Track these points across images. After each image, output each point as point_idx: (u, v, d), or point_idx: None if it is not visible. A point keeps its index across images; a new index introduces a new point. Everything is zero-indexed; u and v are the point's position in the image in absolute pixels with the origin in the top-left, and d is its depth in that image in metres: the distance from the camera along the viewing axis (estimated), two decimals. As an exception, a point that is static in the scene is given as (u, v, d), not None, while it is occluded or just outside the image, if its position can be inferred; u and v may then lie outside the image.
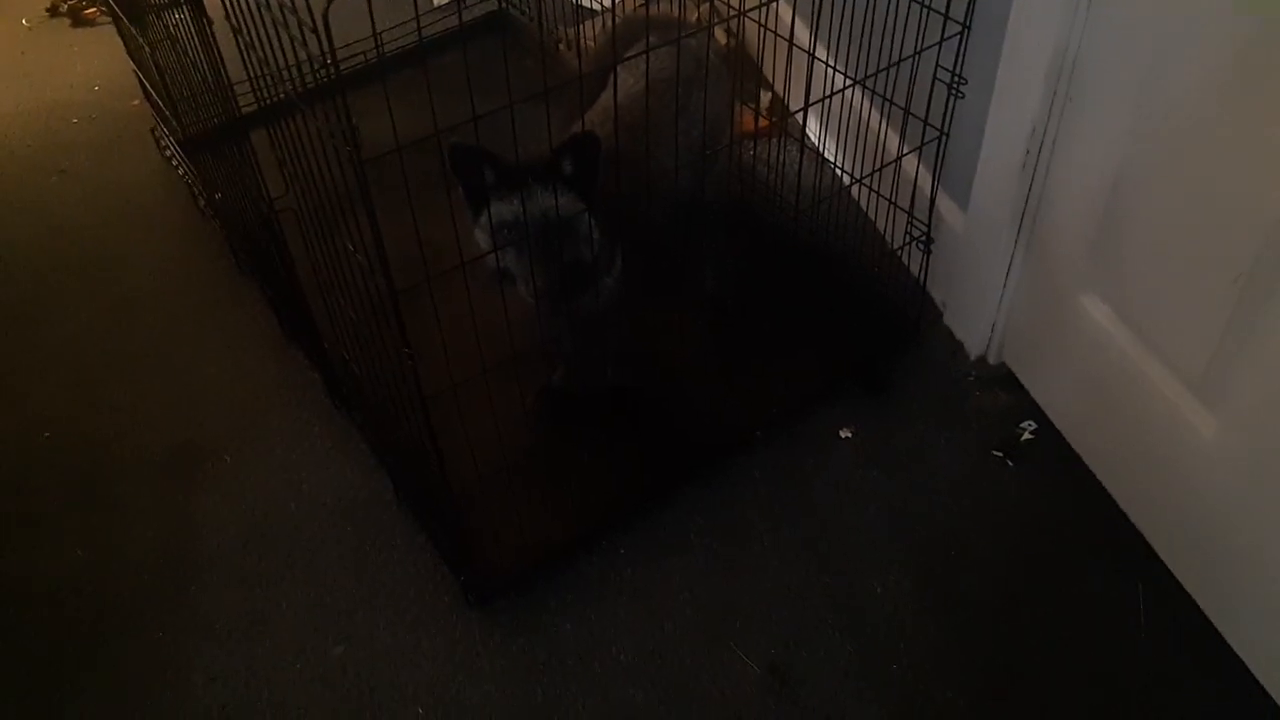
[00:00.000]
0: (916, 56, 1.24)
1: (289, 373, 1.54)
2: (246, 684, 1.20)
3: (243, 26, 1.05)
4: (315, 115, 0.99)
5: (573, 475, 1.35)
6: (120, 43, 1.83)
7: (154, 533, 1.36)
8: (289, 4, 0.85)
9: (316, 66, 0.91)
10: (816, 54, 1.26)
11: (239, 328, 1.63)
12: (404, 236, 1.05)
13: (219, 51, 1.26)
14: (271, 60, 1.01)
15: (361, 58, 1.81)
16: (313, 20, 0.83)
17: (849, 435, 1.40)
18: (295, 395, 1.51)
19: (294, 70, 0.99)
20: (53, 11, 2.45)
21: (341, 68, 0.89)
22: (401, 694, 1.18)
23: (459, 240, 1.12)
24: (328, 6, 0.78)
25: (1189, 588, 1.19)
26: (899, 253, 1.46)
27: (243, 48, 1.07)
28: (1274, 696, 1.09)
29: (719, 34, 2.09)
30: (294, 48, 0.93)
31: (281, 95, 1.07)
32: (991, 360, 1.46)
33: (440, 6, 2.17)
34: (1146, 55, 1.06)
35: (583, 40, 2.04)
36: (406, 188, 1.04)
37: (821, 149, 1.72)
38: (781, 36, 1.47)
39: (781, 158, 1.70)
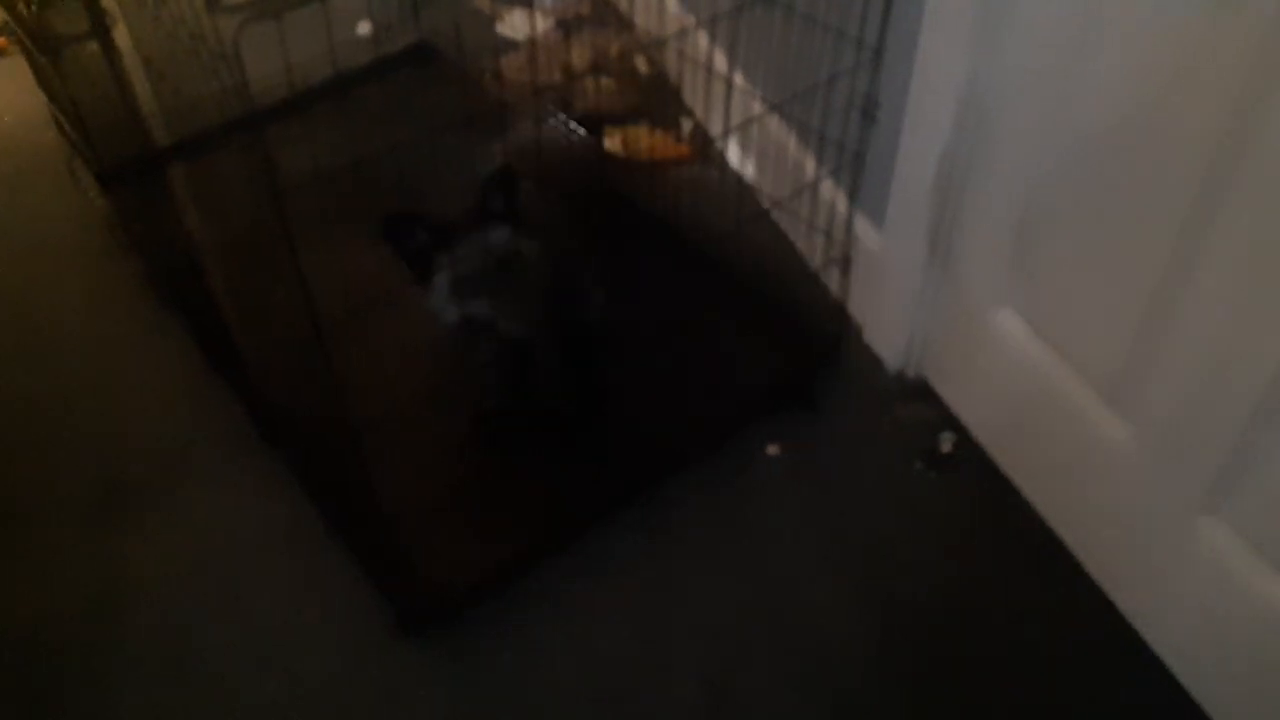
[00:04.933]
0: (830, 82, 1.28)
1: (214, 407, 1.51)
2: (173, 727, 1.17)
3: (153, 57, 1.05)
4: (230, 147, 0.98)
5: (507, 500, 1.35)
6: (31, 74, 1.79)
7: (78, 576, 1.32)
8: (199, 33, 0.85)
9: (229, 97, 0.91)
10: (737, 81, 1.30)
11: (161, 363, 1.60)
12: (327, 267, 1.05)
13: (129, 84, 1.25)
14: (183, 92, 1.01)
15: (282, 90, 1.80)
16: (223, 48, 0.83)
17: (776, 452, 1.42)
18: (221, 430, 1.48)
19: (208, 101, 0.99)
20: (-41, 43, 2.38)
21: (257, 100, 0.89)
22: (335, 730, 1.16)
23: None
24: (238, 33, 0.78)
25: (1107, 589, 1.23)
26: (819, 273, 1.50)
27: (153, 79, 1.07)
28: (1193, 695, 1.14)
29: (639, 62, 2.13)
30: (206, 78, 0.93)
31: (195, 128, 1.07)
32: (910, 375, 1.50)
33: (363, 37, 2.17)
34: (1053, 75, 1.11)
35: (504, 72, 2.06)
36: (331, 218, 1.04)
37: (743, 174, 1.76)
38: (699, 63, 1.51)
39: (702, 183, 1.74)
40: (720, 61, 1.72)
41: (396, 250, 1.20)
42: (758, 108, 1.35)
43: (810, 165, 1.52)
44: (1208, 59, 0.94)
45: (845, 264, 1.42)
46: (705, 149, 1.91)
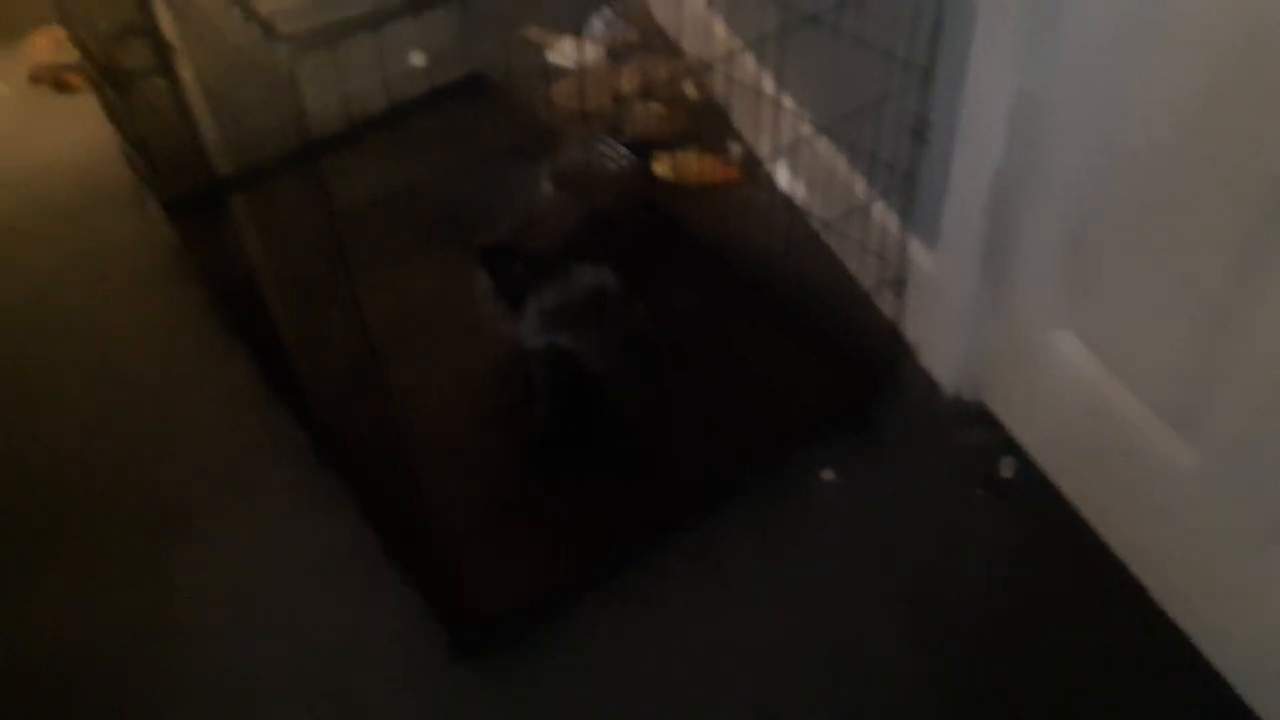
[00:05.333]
0: (880, 103, 1.27)
1: (273, 429, 1.53)
2: (228, 749, 1.18)
3: (214, 88, 1.07)
4: (289, 175, 1.01)
5: (560, 525, 1.35)
6: (101, 108, 1.85)
7: (133, 593, 1.35)
8: (256, 62, 0.87)
9: (287, 127, 0.93)
10: (785, 103, 1.30)
11: (223, 386, 1.63)
12: (384, 292, 1.07)
13: (191, 115, 1.29)
14: (244, 122, 1.04)
15: (338, 120, 1.84)
16: (279, 76, 0.85)
17: (831, 477, 1.40)
18: (280, 452, 1.51)
19: (268, 132, 1.01)
20: (34, 78, 2.48)
21: (313, 130, 0.91)
22: (388, 755, 1.17)
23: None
24: (292, 60, 0.80)
25: (1175, 618, 1.19)
26: (872, 296, 1.49)
27: (214, 110, 1.09)
28: (1262, 717, 1.10)
29: (688, 88, 2.14)
30: (264, 108, 0.95)
31: (255, 158, 1.10)
32: (967, 398, 1.48)
33: (417, 68, 2.21)
34: (1107, 91, 1.10)
35: (555, 99, 2.08)
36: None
37: (793, 196, 1.76)
38: (747, 87, 1.51)
39: (752, 207, 1.74)
40: (768, 84, 1.72)
41: (493, 278, 1.26)
42: (806, 129, 1.35)
43: (860, 186, 1.51)
44: (1272, 65, 0.91)
45: (899, 286, 1.40)
46: (755, 173, 1.91)
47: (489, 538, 1.32)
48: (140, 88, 1.56)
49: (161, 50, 1.33)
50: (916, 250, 1.46)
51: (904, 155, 1.30)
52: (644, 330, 1.32)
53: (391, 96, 1.96)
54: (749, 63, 1.85)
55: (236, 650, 1.28)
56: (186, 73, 1.29)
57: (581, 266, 1.25)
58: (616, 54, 2.25)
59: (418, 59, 2.24)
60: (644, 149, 1.99)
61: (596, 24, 2.32)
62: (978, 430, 1.44)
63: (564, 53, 2.29)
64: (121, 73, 1.61)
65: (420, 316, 1.61)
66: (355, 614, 1.30)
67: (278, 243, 1.26)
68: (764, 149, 1.87)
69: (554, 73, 2.19)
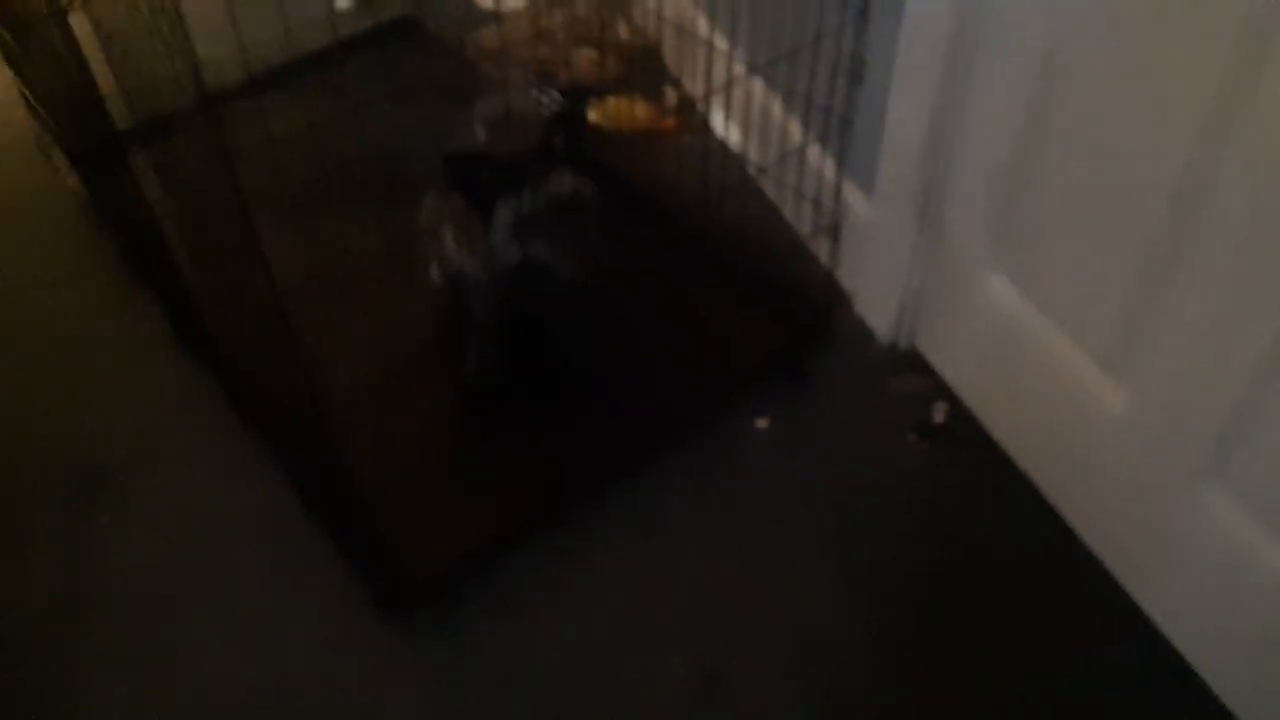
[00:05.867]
0: (815, 43, 1.24)
1: (190, 388, 1.48)
2: (151, 717, 1.14)
3: (114, 34, 1.01)
4: (190, 123, 0.95)
5: (491, 477, 1.32)
6: (1, 54, 1.74)
7: (51, 562, 1.29)
8: (158, 5, 0.81)
9: (190, 74, 0.87)
10: (719, 45, 1.26)
11: (135, 344, 1.56)
12: (302, 240, 1.02)
13: (88, 62, 1.22)
14: (145, 71, 0.98)
15: (262, 64, 1.75)
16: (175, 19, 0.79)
17: (766, 425, 1.39)
18: (198, 411, 1.45)
19: (172, 79, 0.95)
20: (-71, 25, 2.33)
21: (227, 76, 0.86)
22: (318, 717, 1.14)
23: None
24: (178, 17, 0.74)
25: (1104, 559, 1.20)
26: (808, 242, 1.47)
27: (115, 57, 1.03)
28: (1185, 656, 1.12)
29: (622, 31, 2.08)
30: (168, 56, 0.89)
31: (159, 106, 1.03)
32: (902, 344, 1.47)
33: (344, 10, 2.12)
34: (1040, 27, 1.07)
35: (485, 44, 2.01)
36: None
37: (728, 141, 1.72)
38: (684, 31, 1.47)
39: (688, 154, 1.70)
40: (703, 26, 1.68)
41: (461, 190, 1.20)
42: (741, 71, 1.32)
43: (797, 128, 1.48)
44: (1204, 10, 0.90)
45: (835, 233, 1.38)
46: (690, 118, 1.87)
47: (417, 494, 1.28)
48: (39, 34, 1.46)
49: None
50: (853, 196, 1.44)
51: (840, 98, 1.27)
52: (609, 249, 1.26)
53: (317, 41, 1.89)
54: (684, 3, 1.80)
55: (161, 618, 1.23)
56: (83, 18, 1.22)
57: (558, 172, 1.19)
58: (549, -3, 2.18)
59: (343, 1, 2.15)
60: (578, 95, 1.94)
61: (528, -34, 2.24)
62: (911, 376, 1.44)
63: (495, -4, 2.21)
64: (19, 18, 1.51)
65: (344, 264, 1.56)
66: (282, 576, 1.27)
67: (183, 193, 1.20)
68: (700, 93, 1.83)
69: (485, 17, 2.12)
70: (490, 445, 1.36)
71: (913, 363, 1.45)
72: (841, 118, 1.28)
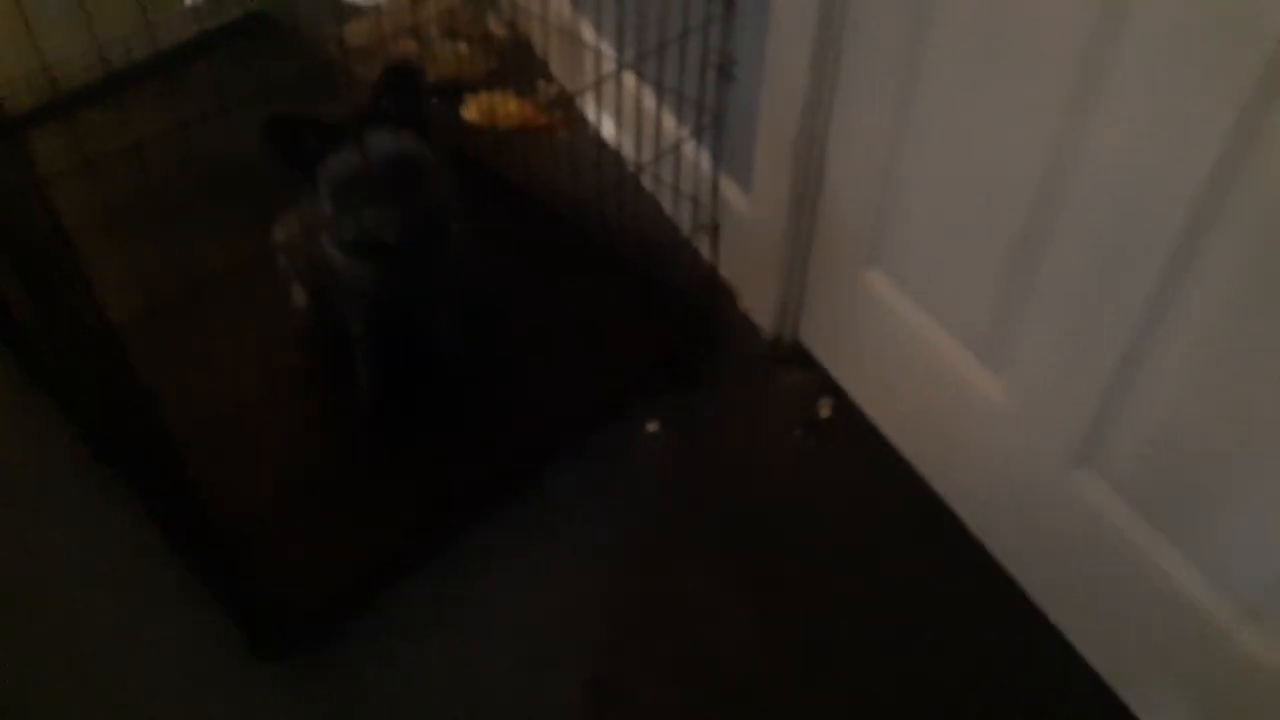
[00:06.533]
0: (684, 38, 1.21)
1: (36, 421, 1.37)
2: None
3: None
4: None
5: (369, 502, 1.26)
6: None
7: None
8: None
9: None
10: (591, 41, 1.22)
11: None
12: (159, 256, 0.94)
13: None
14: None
15: (100, 69, 1.63)
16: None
17: (656, 428, 1.36)
18: (48, 445, 1.34)
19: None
20: None
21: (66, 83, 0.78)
22: (187, 771, 1.07)
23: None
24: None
25: (989, 547, 1.22)
26: (690, 239, 1.44)
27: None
28: (1072, 641, 1.14)
29: (495, 25, 2.02)
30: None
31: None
32: (786, 339, 1.46)
33: (192, 8, 2.00)
34: (902, 21, 1.07)
35: (349, 39, 1.92)
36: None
37: (605, 138, 1.69)
38: (556, 26, 1.42)
39: (566, 150, 1.66)
40: (575, 20, 1.63)
41: (281, 156, 1.10)
42: (613, 66, 1.28)
43: (671, 125, 1.46)
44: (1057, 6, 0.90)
45: (714, 230, 1.36)
46: (567, 114, 1.82)
47: (288, 525, 1.22)
48: None
49: None
50: (732, 192, 1.42)
51: (712, 94, 1.24)
52: (448, 208, 1.18)
53: (164, 40, 1.77)
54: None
55: (10, 670, 1.14)
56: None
57: (379, 130, 1.10)
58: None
59: (192, -3, 2.02)
60: (450, 91, 1.88)
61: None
62: (797, 372, 1.43)
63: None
64: None
65: (199, 281, 1.46)
66: (143, 621, 1.18)
67: (4, 220, 1.10)
68: (574, 86, 1.79)
69: (346, 10, 2.02)
70: (367, 469, 1.29)
71: (798, 357, 1.45)
72: (714, 114, 1.25)
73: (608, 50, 1.52)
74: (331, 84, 1.74)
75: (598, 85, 1.32)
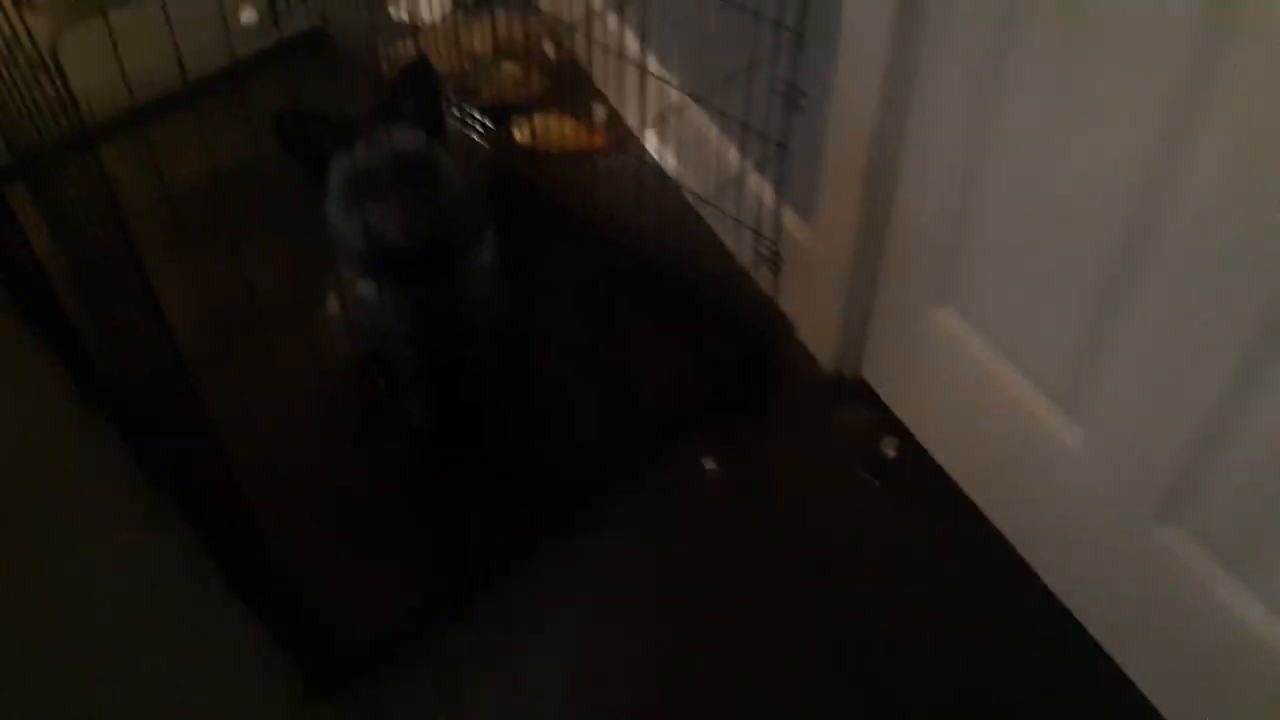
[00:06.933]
0: (751, 69, 1.18)
1: (91, 447, 1.36)
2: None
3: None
4: (70, 160, 0.85)
5: (422, 539, 1.23)
6: None
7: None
8: (14, 38, 0.72)
9: (67, 108, 0.77)
10: (650, 66, 1.20)
11: (29, 396, 1.44)
12: (210, 282, 0.93)
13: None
14: (16, 103, 0.87)
15: (157, 89, 1.63)
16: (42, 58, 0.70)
17: (712, 466, 1.33)
18: (100, 472, 1.34)
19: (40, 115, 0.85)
20: None
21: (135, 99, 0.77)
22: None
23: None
24: (54, 43, 0.65)
25: (1063, 597, 1.17)
26: (747, 270, 1.41)
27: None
28: (1149, 697, 1.09)
29: (546, 46, 2.00)
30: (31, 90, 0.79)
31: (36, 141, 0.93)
32: (848, 375, 1.42)
33: (249, 26, 2.00)
34: (988, 52, 1.03)
35: (402, 61, 1.91)
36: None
37: (663, 165, 1.66)
38: (615, 52, 1.40)
39: (620, 175, 1.63)
40: (632, 44, 1.61)
41: (293, 154, 1.08)
42: (674, 94, 1.25)
43: (733, 155, 1.43)
44: (1151, 42, 0.86)
45: (775, 260, 1.32)
46: (620, 138, 1.80)
47: (342, 559, 1.19)
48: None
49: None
50: (793, 222, 1.39)
51: (777, 124, 1.21)
52: (464, 210, 1.16)
53: (218, 60, 1.77)
54: (610, 20, 1.73)
55: (63, 696, 1.13)
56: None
57: (390, 129, 1.07)
58: (468, 9, 2.09)
59: (248, 15, 2.02)
60: (501, 113, 1.86)
61: (445, -24, 2.15)
62: (860, 408, 1.39)
63: (410, 8, 2.11)
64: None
65: (256, 308, 1.45)
66: (196, 651, 1.17)
67: (70, 237, 1.09)
68: (629, 111, 1.77)
69: (399, 30, 2.02)
70: (417, 506, 1.27)
71: (860, 393, 1.41)
72: (779, 145, 1.22)
73: (666, 75, 1.50)
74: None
75: (660, 119, 1.30)
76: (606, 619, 1.19)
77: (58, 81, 0.72)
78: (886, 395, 1.38)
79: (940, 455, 1.31)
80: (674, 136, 1.42)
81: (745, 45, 1.19)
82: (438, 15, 2.04)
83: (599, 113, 1.85)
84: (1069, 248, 1.03)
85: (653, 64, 1.48)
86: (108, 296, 1.02)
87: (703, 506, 1.30)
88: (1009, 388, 1.16)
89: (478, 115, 1.84)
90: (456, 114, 1.81)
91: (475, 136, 1.83)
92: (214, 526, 1.21)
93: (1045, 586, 1.18)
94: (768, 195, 1.34)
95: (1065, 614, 1.16)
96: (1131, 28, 0.88)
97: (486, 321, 1.28)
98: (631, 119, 1.77)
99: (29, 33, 0.72)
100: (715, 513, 1.29)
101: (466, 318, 1.25)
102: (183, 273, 1.22)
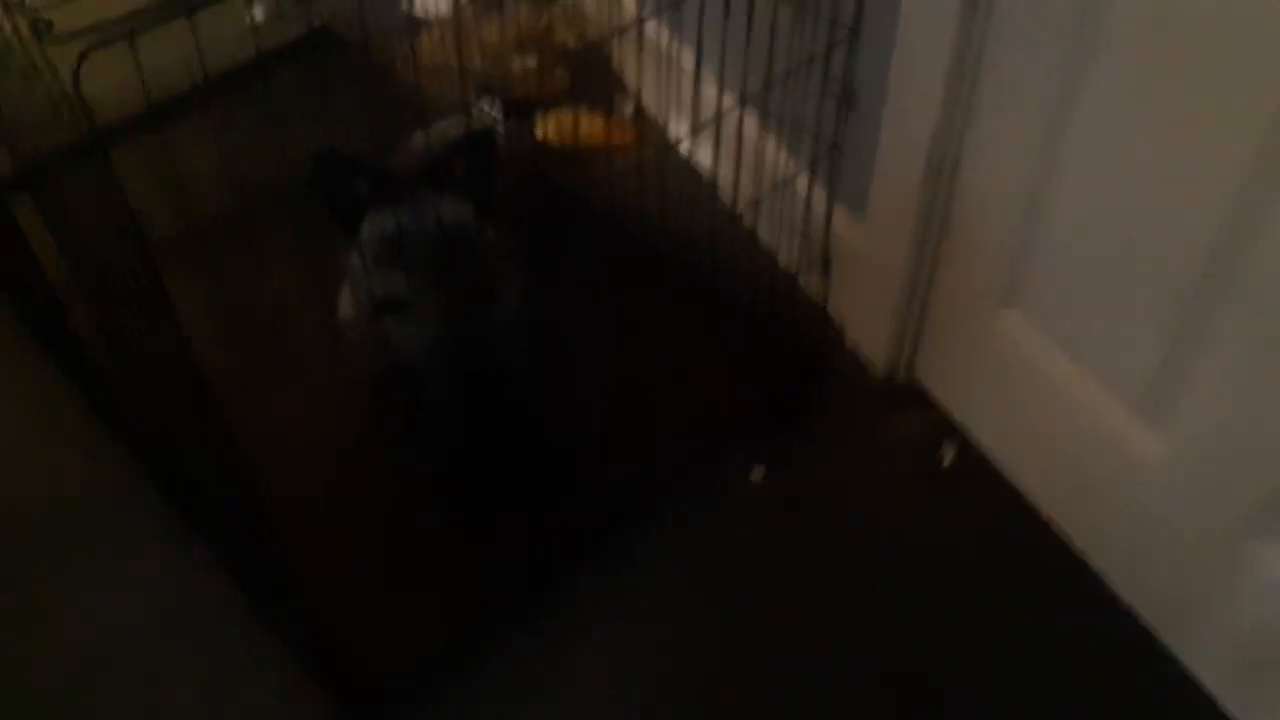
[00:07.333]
0: (801, 67, 1.11)
1: (107, 465, 1.29)
2: None
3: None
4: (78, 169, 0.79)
5: (453, 562, 1.17)
6: None
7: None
8: (30, 68, 0.66)
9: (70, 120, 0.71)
10: (684, 61, 1.13)
11: (43, 415, 1.37)
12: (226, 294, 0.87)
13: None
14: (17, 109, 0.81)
15: (164, 90, 1.56)
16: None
17: (760, 478, 1.27)
18: (115, 491, 1.27)
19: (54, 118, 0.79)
20: None
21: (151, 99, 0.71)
22: None
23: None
24: (79, 65, 0.59)
25: (1143, 616, 1.11)
26: (794, 271, 1.34)
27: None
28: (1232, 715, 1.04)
29: (568, 35, 1.93)
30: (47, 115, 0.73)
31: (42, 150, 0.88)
32: (900, 379, 1.36)
33: (261, 22, 1.93)
34: (1059, 50, 0.97)
35: (418, 56, 1.84)
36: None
37: (696, 162, 1.59)
38: (649, 46, 1.33)
39: (650, 173, 1.57)
40: (663, 35, 1.54)
41: (325, 199, 1.01)
42: (709, 89, 1.18)
43: (773, 150, 1.36)
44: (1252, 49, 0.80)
45: (826, 262, 1.26)
46: (649, 135, 1.73)
47: (373, 585, 1.14)
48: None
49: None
50: (841, 220, 1.32)
51: (831, 123, 1.15)
52: (497, 297, 1.10)
53: (228, 59, 1.70)
54: (632, 3, 1.66)
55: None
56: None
57: (438, 195, 1.01)
58: (485, 1, 2.01)
59: (260, 12, 1.95)
60: (524, 110, 1.79)
61: (458, -33, 2.07)
62: (914, 414, 1.33)
63: (425, 1, 2.04)
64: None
65: (272, 321, 1.39)
66: (223, 680, 1.11)
67: (77, 249, 1.03)
68: (658, 107, 1.69)
69: (414, 24, 1.94)
70: (450, 527, 1.21)
71: (913, 398, 1.34)
72: (831, 145, 1.15)
73: (700, 67, 1.43)
74: (402, 102, 1.66)
75: (694, 114, 1.23)
76: (650, 645, 1.13)
77: (80, 112, 0.66)
78: (943, 399, 1.32)
79: (1003, 462, 1.25)
80: (709, 133, 1.35)
81: (795, 41, 1.12)
82: (450, 6, 1.97)
83: (625, 107, 1.78)
84: (1154, 255, 0.96)
85: (687, 58, 1.41)
86: (121, 309, 0.96)
87: (750, 521, 1.24)
88: (1082, 392, 1.10)
89: (501, 113, 1.77)
90: (481, 112, 1.74)
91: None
92: (237, 549, 1.15)
93: (1125, 605, 1.12)
94: (816, 195, 1.27)
95: (1147, 634, 1.10)
96: (1233, 42, 0.82)
97: (518, 341, 1.22)
98: (660, 115, 1.70)
99: (51, 66, 0.66)
100: (763, 527, 1.23)
101: (497, 340, 1.19)
102: (197, 279, 1.16)
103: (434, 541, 1.19)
